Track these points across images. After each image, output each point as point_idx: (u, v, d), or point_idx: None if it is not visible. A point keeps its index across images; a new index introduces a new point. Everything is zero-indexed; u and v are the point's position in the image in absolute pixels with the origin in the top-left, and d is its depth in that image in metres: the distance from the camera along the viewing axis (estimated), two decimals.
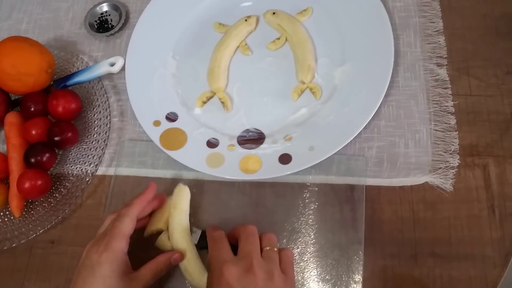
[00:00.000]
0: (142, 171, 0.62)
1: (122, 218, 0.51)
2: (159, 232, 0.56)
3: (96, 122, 0.65)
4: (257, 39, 0.67)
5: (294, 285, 0.47)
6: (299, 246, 0.56)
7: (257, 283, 0.44)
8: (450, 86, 0.61)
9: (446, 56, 0.63)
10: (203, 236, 0.55)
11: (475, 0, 0.66)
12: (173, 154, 0.60)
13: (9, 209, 0.61)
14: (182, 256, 0.52)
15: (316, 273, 0.54)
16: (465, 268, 0.53)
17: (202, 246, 0.54)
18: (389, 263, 0.54)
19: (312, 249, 0.55)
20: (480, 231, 0.55)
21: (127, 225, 0.51)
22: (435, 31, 0.64)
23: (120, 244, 0.49)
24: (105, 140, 0.63)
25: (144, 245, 0.55)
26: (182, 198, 0.56)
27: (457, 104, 0.60)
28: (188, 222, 0.55)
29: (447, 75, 0.62)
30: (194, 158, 0.60)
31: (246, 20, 0.67)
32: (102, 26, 0.73)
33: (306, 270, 0.55)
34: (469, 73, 0.62)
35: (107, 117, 0.64)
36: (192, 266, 0.53)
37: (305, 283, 0.54)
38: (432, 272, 0.54)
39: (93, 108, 0.66)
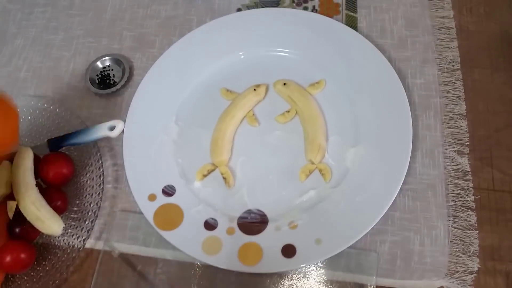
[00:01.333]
0: (132, 248, 0.58)
1: None
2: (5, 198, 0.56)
3: (87, 190, 0.60)
4: (265, 109, 0.63)
5: None
6: None
7: None
8: (471, 178, 0.57)
9: (468, 143, 0.58)
10: None
11: (501, 83, 0.62)
12: (167, 235, 0.55)
13: None
14: None
15: None
16: None
17: None
18: None
19: None
20: None
21: None
22: (457, 115, 0.60)
23: None
24: (95, 211, 0.58)
25: None
26: (24, 158, 0.58)
27: (478, 199, 0.56)
28: (33, 178, 0.57)
29: (469, 165, 0.57)
30: (189, 242, 0.55)
31: (255, 89, 0.63)
32: (103, 81, 0.69)
33: None
34: (492, 164, 0.57)
35: (99, 185, 0.60)
36: (43, 213, 0.54)
37: None
38: None
39: (86, 174, 0.61)
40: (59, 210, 0.58)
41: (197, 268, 0.56)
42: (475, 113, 0.60)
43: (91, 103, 0.68)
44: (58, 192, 0.59)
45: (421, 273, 0.53)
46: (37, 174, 0.59)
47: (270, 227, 0.56)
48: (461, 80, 0.62)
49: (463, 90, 0.61)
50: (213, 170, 0.60)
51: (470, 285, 0.52)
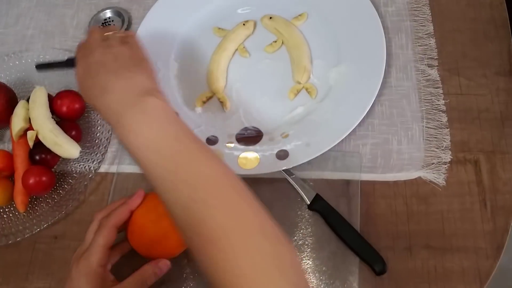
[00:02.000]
0: None
1: (102, 230, 0.50)
2: (25, 131, 0.62)
3: (99, 122, 0.67)
4: (254, 43, 0.70)
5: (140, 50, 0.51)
6: (297, 239, 0.57)
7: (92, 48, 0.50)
8: (441, 85, 0.64)
9: (437, 57, 0.65)
10: (316, 197, 0.58)
11: (464, 5, 0.69)
12: None
13: (14, 205, 0.63)
14: (168, 263, 0.52)
15: (313, 265, 0.56)
16: (459, 259, 0.55)
17: (313, 208, 0.58)
18: (384, 255, 0.55)
19: (309, 241, 0.57)
20: (473, 224, 0.56)
21: (106, 238, 0.50)
22: (425, 34, 0.67)
23: (97, 258, 0.49)
24: (107, 138, 0.65)
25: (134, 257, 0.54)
26: (39, 95, 0.64)
27: (448, 103, 0.63)
28: (49, 111, 0.63)
29: (438, 75, 0.64)
30: None
31: (244, 24, 0.70)
32: None
33: (304, 261, 0.56)
34: (459, 73, 0.64)
35: None
36: (60, 139, 0.60)
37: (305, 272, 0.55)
38: (426, 263, 0.55)
39: None
40: (75, 140, 0.64)
41: None
42: (442, 32, 0.67)
43: None
44: (72, 124, 0.65)
45: (400, 167, 0.60)
46: (52, 111, 0.66)
47: (265, 138, 0.62)
48: (428, 5, 0.69)
49: (430, 14, 0.68)
50: (211, 96, 0.67)
51: (444, 174, 0.59)
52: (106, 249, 0.49)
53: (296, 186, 0.59)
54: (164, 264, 0.52)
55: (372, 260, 0.54)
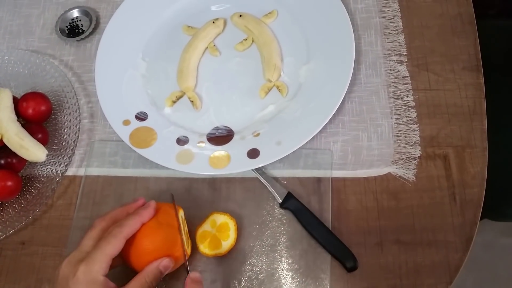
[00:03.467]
0: (112, 170, 0.63)
1: (111, 239, 0.47)
2: None
3: (66, 124, 0.65)
4: (225, 41, 0.69)
5: None
6: (269, 238, 0.57)
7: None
8: (410, 81, 0.64)
9: (405, 53, 0.66)
10: (288, 196, 0.58)
11: (432, 1, 0.69)
12: (143, 152, 0.61)
13: None
14: (171, 260, 0.50)
15: (286, 263, 0.55)
16: (429, 253, 0.55)
17: (284, 206, 0.58)
18: (355, 251, 0.55)
19: (282, 239, 0.57)
20: (442, 218, 0.57)
21: (114, 247, 0.47)
22: (394, 30, 0.67)
23: (100, 266, 0.46)
24: (74, 140, 0.63)
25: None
26: (3, 97, 0.62)
27: (417, 99, 0.63)
28: (14, 114, 0.62)
29: (407, 71, 0.65)
30: (164, 156, 0.61)
31: (213, 22, 0.69)
32: (73, 31, 0.74)
33: (276, 260, 0.56)
34: (428, 69, 0.65)
35: (76, 118, 0.65)
36: (26, 142, 0.59)
37: (275, 273, 0.55)
38: (397, 258, 0.55)
39: (63, 110, 0.66)
40: (41, 143, 0.62)
41: (172, 181, 0.61)
42: (411, 28, 0.68)
43: (62, 51, 0.73)
44: (39, 126, 0.64)
45: (370, 163, 0.60)
46: (18, 114, 0.64)
47: (236, 137, 0.62)
48: (397, 2, 0.69)
49: (399, 10, 0.69)
50: (181, 96, 0.66)
51: (413, 169, 0.59)
52: (110, 259, 0.47)
53: (267, 185, 0.59)
54: (168, 262, 0.50)
55: (343, 257, 0.55)
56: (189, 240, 0.55)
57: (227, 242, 0.55)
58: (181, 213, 0.54)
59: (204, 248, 0.55)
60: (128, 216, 0.50)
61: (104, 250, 0.47)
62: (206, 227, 0.56)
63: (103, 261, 0.46)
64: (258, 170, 0.60)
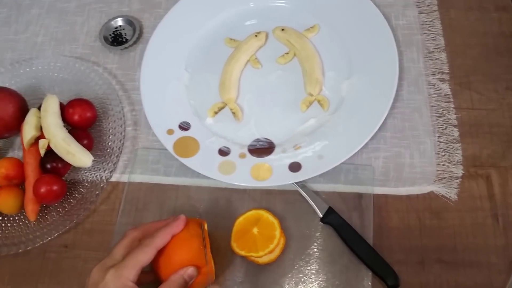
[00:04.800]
0: (155, 178, 0.64)
1: (144, 248, 0.49)
2: (36, 140, 0.63)
3: (111, 131, 0.67)
4: (266, 54, 0.70)
5: None
6: (309, 252, 0.57)
7: None
8: (452, 100, 0.64)
9: (448, 71, 0.66)
10: (329, 211, 0.58)
11: (475, 20, 0.69)
12: (186, 161, 0.62)
13: (24, 213, 0.63)
14: (195, 270, 0.50)
15: (325, 278, 0.56)
16: (471, 274, 0.55)
17: (325, 221, 0.58)
18: (396, 269, 0.55)
19: (322, 255, 0.57)
20: (485, 239, 0.57)
21: (146, 256, 0.48)
22: (436, 48, 0.68)
23: (130, 273, 0.47)
24: (119, 147, 0.65)
25: None
26: (50, 103, 0.64)
27: (460, 117, 0.63)
28: (61, 120, 0.64)
29: (449, 89, 0.65)
30: (206, 166, 0.61)
31: (256, 35, 0.70)
32: (116, 40, 0.76)
33: (316, 275, 0.56)
34: (470, 87, 0.65)
35: (121, 125, 0.66)
36: (73, 148, 0.61)
37: (317, 286, 0.55)
38: (439, 278, 0.55)
39: (108, 117, 0.68)
40: (86, 148, 0.64)
41: (213, 190, 0.62)
42: (453, 46, 0.68)
43: (106, 59, 0.75)
44: (84, 132, 0.65)
45: (413, 181, 0.60)
46: (63, 119, 0.66)
47: (277, 150, 0.62)
48: (439, 20, 0.70)
49: (441, 28, 0.69)
50: (223, 107, 0.67)
51: (456, 188, 0.59)
52: (141, 267, 0.48)
53: (308, 199, 0.59)
54: (193, 272, 0.50)
55: (385, 274, 0.55)
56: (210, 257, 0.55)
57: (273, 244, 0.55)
58: (204, 226, 0.54)
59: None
60: (160, 228, 0.51)
61: (135, 257, 0.48)
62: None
63: (133, 268, 0.47)
64: (298, 183, 0.60)
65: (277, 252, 0.56)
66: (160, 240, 0.50)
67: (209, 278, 0.52)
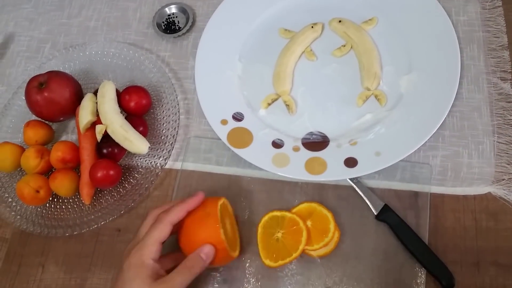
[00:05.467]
0: (207, 167, 0.65)
1: (158, 224, 0.51)
2: (92, 125, 0.64)
3: (165, 118, 0.67)
4: (322, 46, 0.69)
5: None
6: (363, 249, 0.57)
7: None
8: None
9: (510, 70, 0.64)
10: (385, 208, 0.58)
11: None
12: (240, 152, 0.62)
13: (79, 196, 0.64)
14: (213, 248, 0.51)
15: (379, 275, 0.56)
16: None
17: (381, 218, 0.57)
18: (451, 269, 0.54)
19: (376, 251, 0.57)
20: None
21: (161, 232, 0.51)
22: (499, 46, 0.66)
23: (149, 250, 0.50)
24: (174, 135, 0.65)
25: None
26: (108, 89, 0.64)
27: None
28: (118, 106, 0.64)
29: (511, 89, 0.63)
30: (260, 157, 0.62)
31: (312, 27, 0.69)
32: (169, 27, 0.76)
33: (371, 272, 0.56)
34: None
35: (176, 114, 0.66)
36: (130, 134, 0.61)
37: (369, 284, 0.55)
38: (494, 281, 0.54)
39: (162, 105, 0.68)
40: (142, 135, 0.65)
41: (265, 182, 0.62)
42: None
43: (159, 47, 0.75)
44: (140, 119, 0.66)
45: (470, 181, 0.59)
46: (119, 105, 0.66)
47: (332, 144, 0.62)
48: (502, 16, 0.67)
49: (505, 25, 0.67)
50: (276, 99, 0.67)
51: None
52: (159, 243, 0.50)
53: (363, 196, 0.59)
54: (210, 250, 0.51)
55: (440, 273, 0.54)
56: (236, 235, 0.57)
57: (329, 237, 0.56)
58: (220, 202, 0.55)
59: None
60: (175, 204, 0.53)
61: (152, 235, 0.50)
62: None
63: (152, 245, 0.50)
64: (353, 179, 0.60)
65: (332, 245, 0.56)
66: (174, 215, 0.52)
67: (229, 254, 0.53)
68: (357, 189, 0.59)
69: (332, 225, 0.56)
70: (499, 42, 0.66)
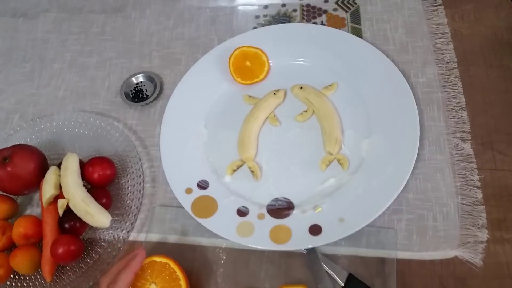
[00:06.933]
0: (172, 237, 0.63)
1: None
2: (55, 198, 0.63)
3: (129, 188, 0.67)
4: (285, 111, 0.70)
5: None
6: None
7: None
8: (475, 160, 0.63)
9: (469, 130, 0.65)
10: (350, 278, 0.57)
11: (495, 77, 0.69)
12: (204, 222, 0.61)
13: (41, 273, 0.62)
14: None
15: None
16: None
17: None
18: None
19: None
20: None
21: None
22: (457, 106, 0.67)
23: None
24: (138, 206, 0.64)
25: None
26: (71, 162, 0.64)
27: (483, 179, 0.62)
28: (80, 179, 0.64)
29: (472, 149, 0.64)
30: (224, 227, 0.61)
31: (275, 93, 0.70)
32: (137, 95, 0.77)
33: None
34: (493, 147, 0.64)
35: (140, 183, 0.66)
36: (92, 209, 0.61)
37: None
38: None
39: (127, 175, 0.68)
40: (105, 207, 0.64)
41: (231, 251, 0.61)
42: (474, 105, 0.67)
43: (127, 115, 0.76)
44: (103, 191, 0.65)
45: (436, 245, 0.58)
46: (83, 176, 0.66)
47: (296, 211, 0.62)
48: (459, 77, 0.69)
49: (462, 85, 0.69)
50: (241, 165, 0.67)
51: (481, 253, 0.57)
52: None
53: (327, 268, 0.57)
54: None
55: None
56: None
57: None
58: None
59: None
60: (120, 268, 0.55)
61: None
62: None
63: None
64: (311, 254, 0.59)
65: None
66: (121, 284, 0.53)
67: None
68: (320, 260, 0.58)
69: None
70: (457, 102, 0.67)
